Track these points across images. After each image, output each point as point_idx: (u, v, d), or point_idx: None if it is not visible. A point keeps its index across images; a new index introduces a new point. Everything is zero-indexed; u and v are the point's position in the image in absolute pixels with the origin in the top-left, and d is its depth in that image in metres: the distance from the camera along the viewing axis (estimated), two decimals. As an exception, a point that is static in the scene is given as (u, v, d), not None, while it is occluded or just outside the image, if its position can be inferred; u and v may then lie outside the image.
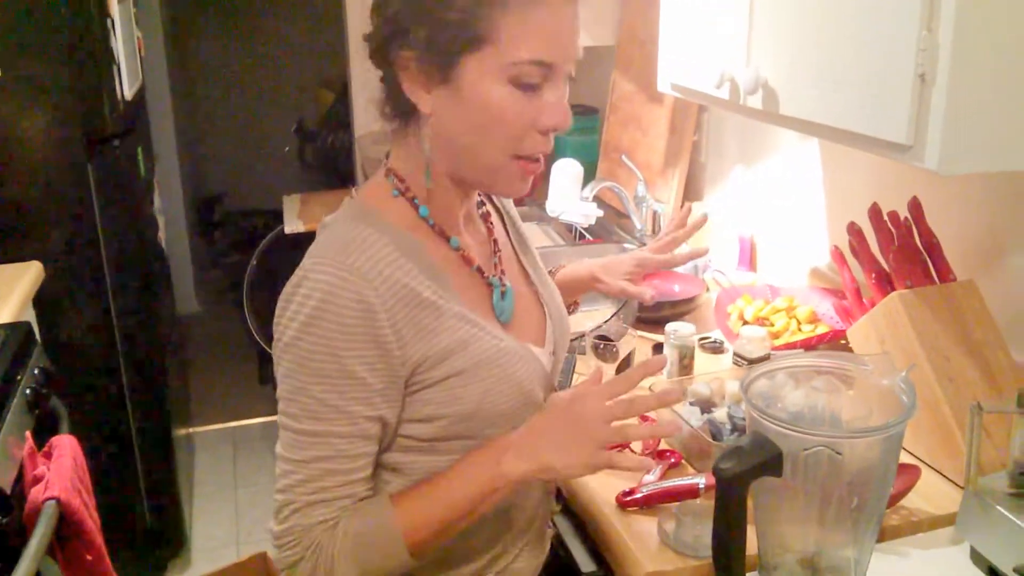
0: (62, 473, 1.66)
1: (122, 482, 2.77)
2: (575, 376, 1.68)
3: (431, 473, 1.07)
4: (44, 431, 1.81)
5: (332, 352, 0.98)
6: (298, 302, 0.99)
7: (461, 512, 1.04)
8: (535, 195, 2.97)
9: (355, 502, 1.03)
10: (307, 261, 1.01)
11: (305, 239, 3.78)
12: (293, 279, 1.01)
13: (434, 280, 1.05)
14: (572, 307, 1.56)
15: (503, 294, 1.15)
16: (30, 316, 2.26)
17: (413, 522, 1.02)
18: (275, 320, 1.03)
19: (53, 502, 1.59)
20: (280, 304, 1.02)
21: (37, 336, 2.08)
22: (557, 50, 1.01)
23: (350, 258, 0.99)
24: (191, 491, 3.40)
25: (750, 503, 1.03)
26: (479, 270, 1.14)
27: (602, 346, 1.64)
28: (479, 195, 1.22)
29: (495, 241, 1.21)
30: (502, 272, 1.18)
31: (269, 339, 3.35)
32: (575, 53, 1.03)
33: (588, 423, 1.02)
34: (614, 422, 1.03)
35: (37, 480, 1.64)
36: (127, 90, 2.67)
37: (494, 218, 1.26)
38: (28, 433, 1.71)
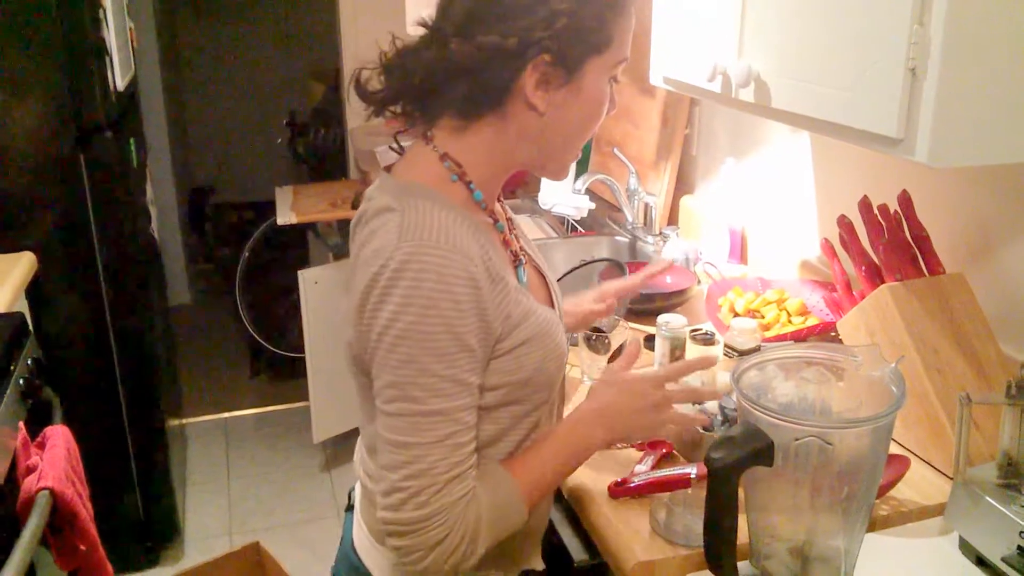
0: (55, 463, 1.67)
1: (115, 472, 2.77)
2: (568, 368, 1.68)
3: (512, 437, 1.15)
4: (37, 421, 1.81)
5: (452, 330, 1.00)
6: (408, 287, 1.00)
7: (563, 475, 1.18)
8: (527, 188, 2.98)
9: (475, 468, 1.07)
10: (401, 246, 1.01)
11: (297, 231, 3.81)
12: (387, 266, 1.01)
13: (495, 255, 1.09)
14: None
15: (524, 269, 1.21)
16: (23, 307, 2.26)
17: (529, 487, 1.12)
18: (371, 311, 1.03)
19: (46, 492, 1.59)
20: (376, 295, 1.02)
21: (30, 326, 2.08)
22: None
23: (449, 239, 1.02)
24: (183, 481, 3.41)
25: (741, 493, 1.04)
26: (512, 252, 1.20)
27: (594, 337, 1.65)
28: None
29: (510, 219, 1.25)
30: (519, 249, 1.23)
31: (261, 331, 3.36)
32: None
33: (657, 407, 1.19)
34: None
35: (30, 470, 1.64)
36: (119, 81, 2.66)
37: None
38: (21, 423, 1.71)
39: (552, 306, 1.27)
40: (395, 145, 1.20)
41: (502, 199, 1.27)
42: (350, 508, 1.33)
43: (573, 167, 2.45)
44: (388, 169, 1.17)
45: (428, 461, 1.01)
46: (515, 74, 1.05)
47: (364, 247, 1.06)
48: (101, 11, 2.49)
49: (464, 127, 1.10)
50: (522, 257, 1.22)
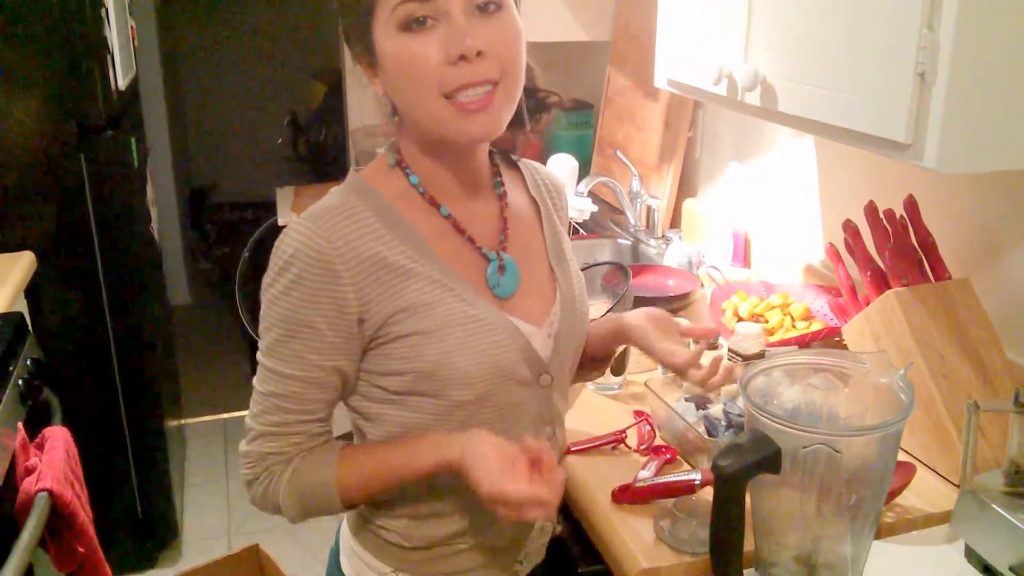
0: (54, 464, 1.66)
1: (113, 473, 2.76)
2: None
3: (400, 431, 1.14)
4: (36, 422, 1.80)
5: (292, 303, 1.06)
6: (277, 252, 1.08)
7: (396, 476, 1.12)
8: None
9: (306, 439, 1.13)
10: (296, 218, 1.10)
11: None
12: (284, 230, 1.10)
13: (411, 246, 1.11)
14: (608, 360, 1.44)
15: (502, 269, 1.17)
16: (22, 306, 2.25)
17: (352, 478, 1.12)
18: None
19: (45, 493, 1.58)
20: (273, 249, 1.11)
21: (29, 326, 2.07)
22: None
23: (324, 223, 1.07)
24: (182, 482, 3.40)
25: (748, 500, 1.03)
26: (470, 240, 1.17)
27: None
28: (497, 176, 1.23)
29: (505, 219, 1.21)
30: (503, 248, 1.19)
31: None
32: None
33: (517, 495, 1.01)
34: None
35: (29, 471, 1.63)
36: (121, 80, 2.65)
37: (516, 201, 1.26)
38: (20, 424, 1.70)
39: (545, 314, 1.21)
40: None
41: (506, 198, 1.22)
42: None
43: (576, 169, 2.44)
44: None
45: (257, 408, 1.12)
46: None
47: None
48: (103, 9, 2.48)
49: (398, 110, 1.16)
50: (493, 252, 1.17)
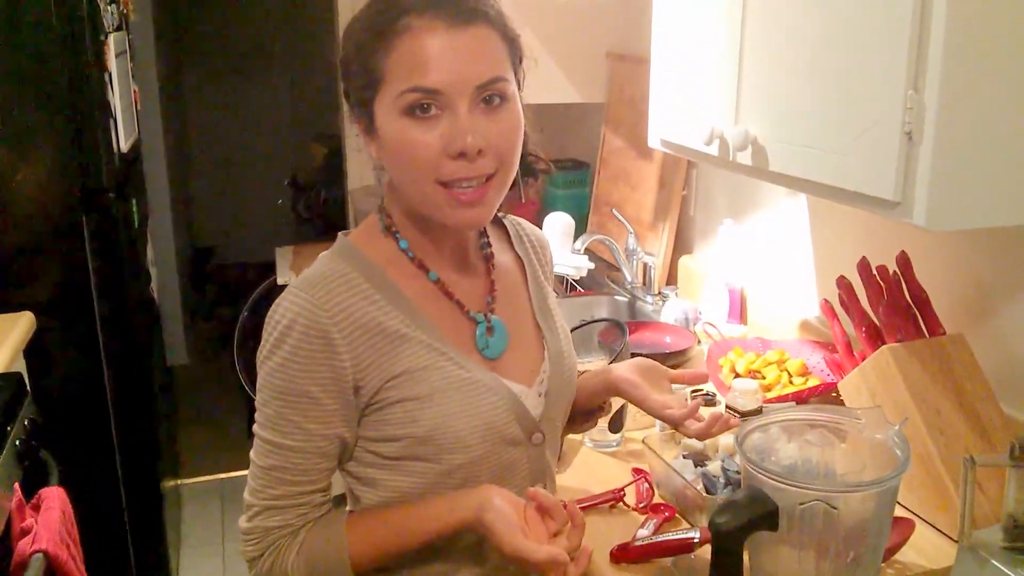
0: (50, 526, 1.65)
1: (109, 535, 2.73)
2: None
3: (397, 495, 1.13)
4: (33, 482, 1.79)
5: (290, 374, 1.06)
6: (272, 323, 1.08)
7: (412, 540, 1.10)
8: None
9: (311, 509, 1.11)
10: (289, 287, 1.10)
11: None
12: (276, 300, 1.10)
13: (403, 311, 1.11)
14: (599, 412, 1.44)
15: (490, 330, 1.18)
16: (20, 366, 2.25)
17: (363, 545, 1.10)
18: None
19: (40, 555, 1.57)
20: (266, 320, 1.10)
21: (28, 387, 2.07)
22: (439, 75, 1.03)
23: (317, 291, 1.07)
24: (179, 545, 3.36)
25: (745, 557, 1.03)
26: (459, 304, 1.18)
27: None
28: (484, 237, 1.26)
29: (492, 281, 1.23)
30: (491, 310, 1.20)
31: (260, 391, 3.20)
32: (472, 78, 1.04)
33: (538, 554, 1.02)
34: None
35: (25, 532, 1.62)
36: (123, 143, 2.69)
37: (502, 260, 1.27)
38: (16, 484, 1.70)
39: (533, 375, 1.21)
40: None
41: (493, 260, 1.24)
42: None
43: (572, 227, 2.47)
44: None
45: (258, 483, 1.10)
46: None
47: None
48: (107, 74, 2.53)
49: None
50: (481, 315, 1.18)
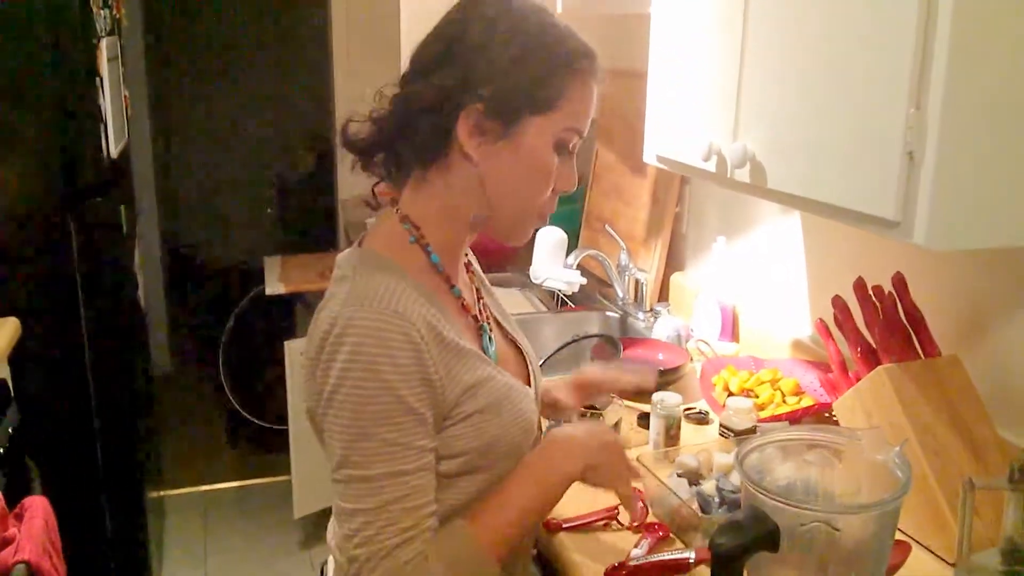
0: (33, 535, 1.62)
1: (91, 545, 2.69)
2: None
3: (448, 511, 1.10)
4: (15, 490, 1.77)
5: (393, 392, 1.00)
6: (349, 352, 1.01)
7: (531, 513, 1.13)
8: (518, 262, 2.98)
9: (432, 530, 1.05)
10: (344, 311, 1.03)
11: (284, 301, 3.79)
12: (331, 332, 1.03)
13: (449, 322, 1.09)
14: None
15: (490, 338, 1.21)
16: (4, 373, 2.22)
17: (493, 533, 1.08)
18: (320, 376, 1.04)
19: (23, 565, 1.55)
20: (323, 360, 1.03)
21: (11, 393, 2.04)
22: (587, 125, 1.13)
23: (388, 303, 1.03)
24: (160, 556, 3.31)
25: (744, 578, 1.02)
26: (474, 317, 1.20)
27: (589, 415, 1.63)
28: None
29: (477, 289, 1.27)
30: (487, 317, 1.24)
31: (243, 402, 3.33)
32: None
33: (621, 456, 1.21)
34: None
35: (7, 542, 1.60)
36: (113, 148, 2.67)
37: (474, 266, 1.32)
38: (-1, 494, 1.67)
39: (528, 379, 1.26)
40: (373, 199, 1.23)
41: (472, 267, 1.29)
42: None
43: (565, 242, 2.46)
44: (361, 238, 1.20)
45: (375, 527, 1.01)
46: (453, 119, 1.07)
47: (318, 313, 1.09)
48: (98, 79, 2.51)
49: (422, 179, 1.13)
50: (486, 324, 1.21)
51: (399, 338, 1.01)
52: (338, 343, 1.01)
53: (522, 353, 1.28)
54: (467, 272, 1.27)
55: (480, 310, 1.23)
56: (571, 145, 1.12)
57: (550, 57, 1.07)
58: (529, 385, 1.24)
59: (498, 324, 1.28)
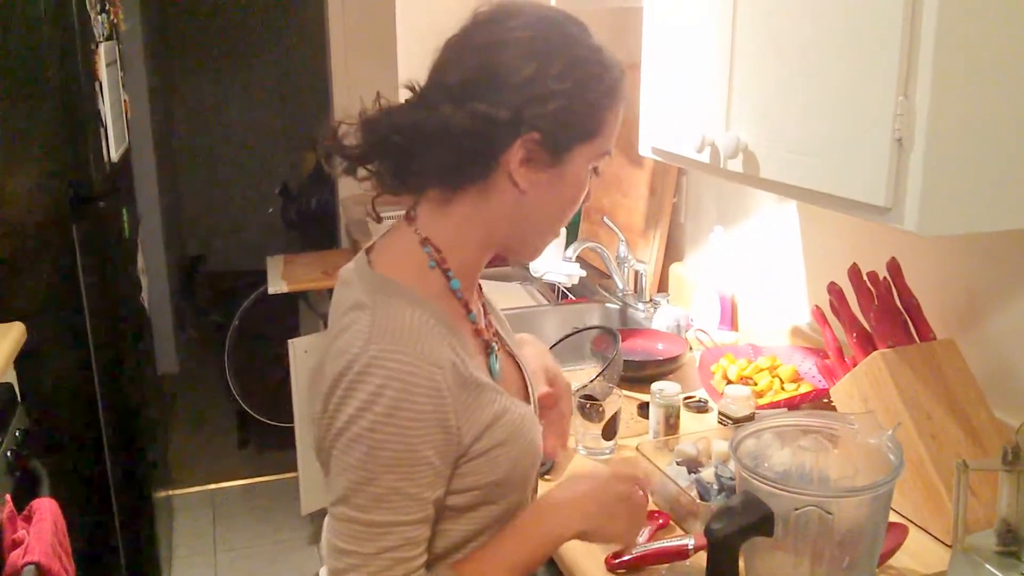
0: (42, 537, 1.64)
1: (100, 545, 2.72)
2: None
3: (459, 542, 1.08)
4: (24, 493, 1.79)
5: (409, 441, 0.97)
6: (370, 392, 0.97)
7: (517, 570, 1.09)
8: (518, 255, 3.00)
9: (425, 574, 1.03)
10: (369, 348, 0.99)
11: (288, 300, 3.80)
12: (352, 366, 0.99)
13: (468, 355, 1.06)
14: None
15: (496, 356, 1.17)
16: (11, 377, 2.24)
17: None
18: (332, 409, 1.00)
19: (33, 567, 1.57)
20: (339, 394, 0.99)
21: (18, 397, 2.06)
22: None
23: (418, 344, 0.99)
24: (170, 555, 3.34)
25: (741, 563, 1.03)
26: (484, 342, 1.16)
27: (588, 406, 1.65)
28: None
29: (483, 305, 1.22)
30: (493, 333, 1.19)
31: (250, 400, 3.33)
32: None
33: (635, 506, 1.13)
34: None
35: (17, 544, 1.61)
36: (113, 152, 2.68)
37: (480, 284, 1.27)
38: (7, 496, 1.69)
39: (527, 394, 1.23)
40: (373, 212, 1.16)
41: (479, 286, 1.23)
42: None
43: (563, 235, 2.47)
44: (367, 250, 1.15)
45: (366, 572, 0.99)
46: (503, 147, 1.03)
47: (335, 340, 1.04)
48: (97, 83, 2.52)
49: (447, 200, 1.08)
50: (494, 344, 1.18)
51: (424, 384, 0.98)
52: (359, 380, 0.98)
53: (520, 368, 1.25)
54: (478, 292, 1.23)
55: (486, 327, 1.19)
56: (602, 165, 1.12)
57: (600, 88, 1.06)
58: (528, 401, 1.21)
59: (500, 340, 1.24)
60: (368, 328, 1.00)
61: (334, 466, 1.01)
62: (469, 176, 1.06)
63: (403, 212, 1.14)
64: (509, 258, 1.19)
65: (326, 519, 1.10)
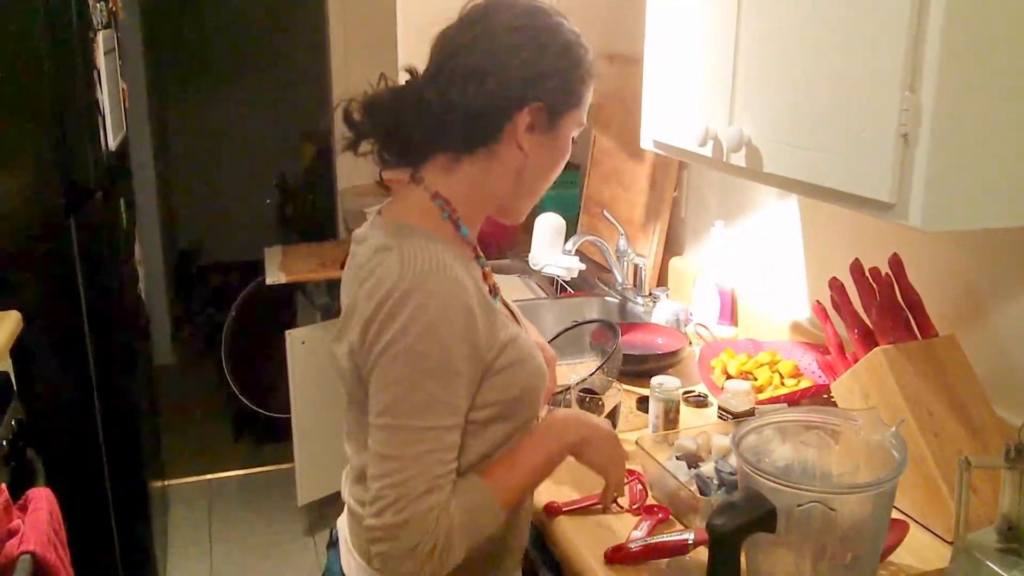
0: (38, 527, 1.63)
1: (96, 535, 2.71)
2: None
3: (478, 459, 1.20)
4: (19, 482, 1.78)
5: (447, 353, 1.10)
6: (411, 312, 1.09)
7: (534, 475, 1.25)
8: (517, 249, 2.99)
9: (453, 484, 1.14)
10: (405, 274, 1.11)
11: (285, 291, 3.80)
12: (393, 294, 1.10)
13: (483, 288, 1.20)
14: None
15: (498, 301, 1.29)
16: (7, 366, 2.23)
17: (504, 490, 1.19)
18: (374, 333, 1.11)
19: (28, 556, 1.56)
20: (381, 318, 1.11)
21: (14, 386, 2.05)
22: None
23: (447, 270, 1.12)
24: (165, 546, 3.34)
25: (743, 559, 1.03)
26: (488, 283, 1.27)
27: (587, 399, 1.64)
28: None
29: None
30: (493, 283, 1.31)
31: (246, 392, 3.33)
32: None
33: (619, 446, 1.33)
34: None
35: (12, 533, 1.61)
36: (111, 141, 2.67)
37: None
38: (3, 485, 1.68)
39: None
40: (382, 185, 1.30)
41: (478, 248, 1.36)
42: (332, 544, 1.39)
43: (564, 228, 2.47)
44: (380, 211, 1.28)
45: (408, 473, 1.09)
46: (512, 117, 1.19)
47: (363, 284, 1.15)
48: (95, 72, 2.51)
49: (454, 163, 1.22)
50: (498, 288, 1.32)
51: (457, 304, 1.10)
52: (401, 304, 1.09)
53: (516, 318, 1.37)
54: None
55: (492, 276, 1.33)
56: (576, 134, 1.27)
57: (584, 66, 1.24)
58: None
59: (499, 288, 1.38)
60: (399, 262, 1.12)
61: (377, 383, 1.12)
62: (480, 143, 1.21)
63: (386, 202, 1.29)
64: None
65: (345, 471, 1.32)
